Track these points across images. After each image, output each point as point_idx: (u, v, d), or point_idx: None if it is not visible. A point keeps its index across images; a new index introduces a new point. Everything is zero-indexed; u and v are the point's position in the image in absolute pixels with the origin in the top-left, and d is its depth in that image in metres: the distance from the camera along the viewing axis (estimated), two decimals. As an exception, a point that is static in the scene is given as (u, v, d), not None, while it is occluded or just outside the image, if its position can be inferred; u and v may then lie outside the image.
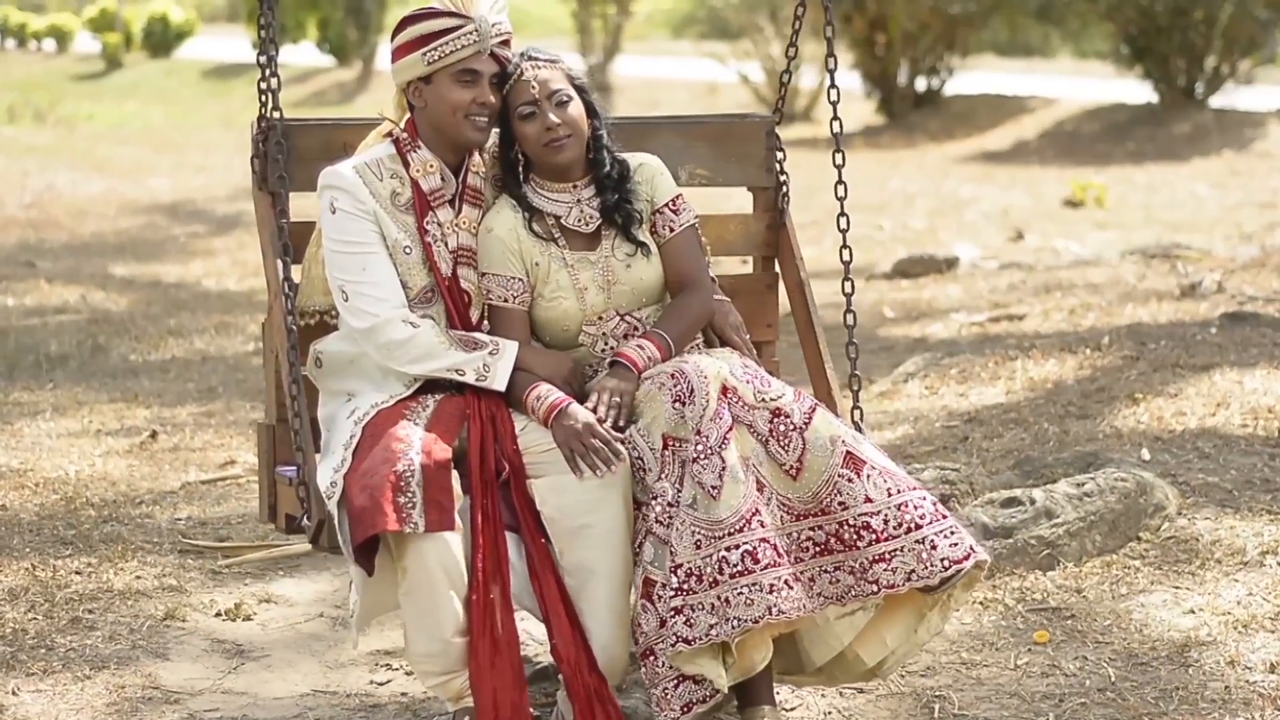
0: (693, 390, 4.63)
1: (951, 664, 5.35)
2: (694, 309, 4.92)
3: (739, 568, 4.51)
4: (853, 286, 5.26)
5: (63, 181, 18.36)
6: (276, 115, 4.94)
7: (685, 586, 4.54)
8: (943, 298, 11.21)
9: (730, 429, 4.62)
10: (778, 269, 5.46)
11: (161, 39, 32.60)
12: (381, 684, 5.42)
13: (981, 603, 5.73)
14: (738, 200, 5.55)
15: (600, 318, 4.90)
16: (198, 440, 8.14)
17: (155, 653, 5.57)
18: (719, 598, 4.52)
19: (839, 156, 5.26)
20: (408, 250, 4.80)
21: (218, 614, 5.92)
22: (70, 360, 10.05)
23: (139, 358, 10.21)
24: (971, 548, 4.62)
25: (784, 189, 5.43)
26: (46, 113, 25.08)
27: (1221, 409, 7.36)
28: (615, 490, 4.66)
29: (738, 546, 4.52)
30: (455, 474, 4.59)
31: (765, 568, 4.52)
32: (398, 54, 4.83)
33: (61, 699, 5.20)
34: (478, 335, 4.80)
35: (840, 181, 5.23)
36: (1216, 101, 21.52)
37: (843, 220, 5.25)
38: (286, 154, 4.95)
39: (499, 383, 4.74)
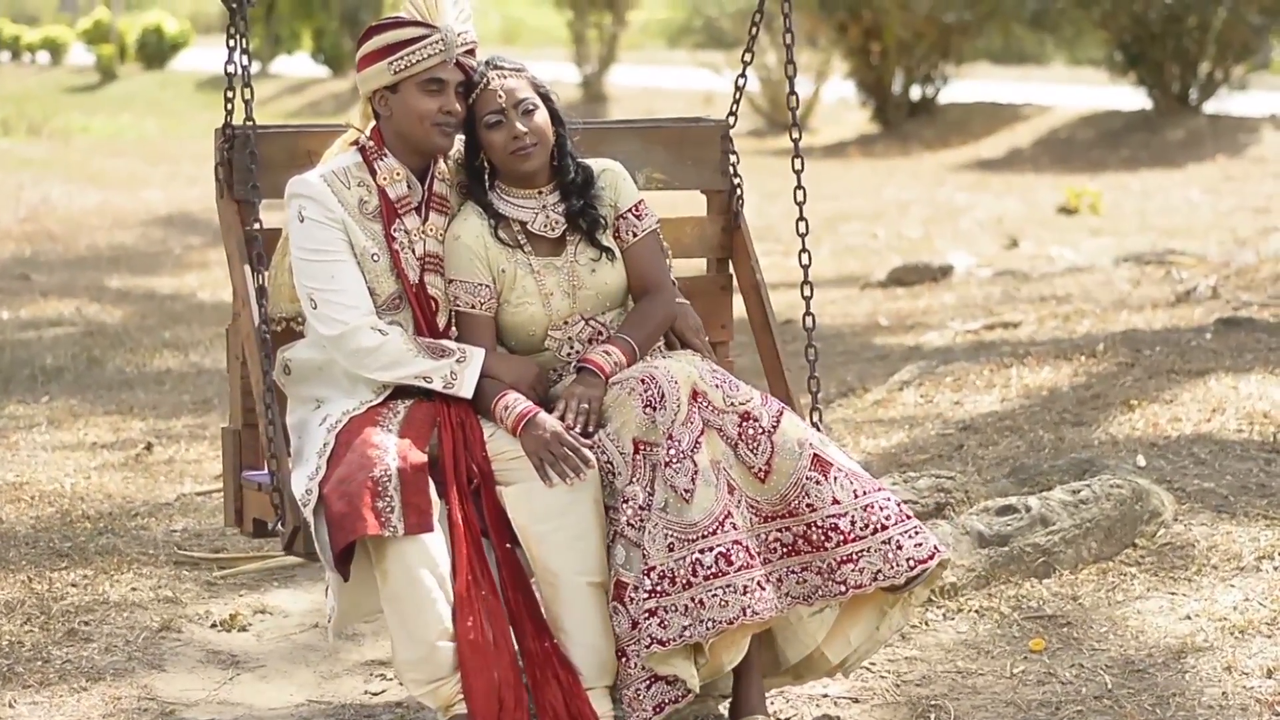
0: (664, 395, 4.68)
1: (947, 672, 5.35)
2: (657, 313, 4.98)
3: (712, 569, 4.58)
4: (811, 290, 5.34)
5: (58, 194, 18.35)
6: (249, 124, 4.96)
7: (659, 589, 4.59)
8: (937, 306, 11.22)
9: (702, 433, 4.68)
10: (732, 271, 5.51)
11: (156, 50, 32.62)
12: (376, 694, 5.43)
13: (977, 611, 5.73)
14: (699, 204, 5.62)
15: (565, 322, 4.94)
16: (193, 452, 8.15)
17: (151, 664, 5.58)
18: (693, 599, 4.57)
19: (798, 162, 5.39)
20: (375, 258, 4.83)
21: (213, 625, 5.92)
22: (65, 373, 10.05)
23: (134, 370, 10.22)
24: (936, 547, 4.75)
25: (738, 192, 5.49)
26: (41, 125, 25.07)
27: (1217, 414, 7.36)
28: (585, 495, 4.70)
29: (711, 549, 4.59)
30: (430, 479, 4.62)
31: (739, 569, 4.59)
32: (364, 63, 4.87)
33: (58, 711, 5.21)
34: (445, 343, 4.83)
35: (799, 186, 5.33)
36: (1210, 107, 21.52)
37: (801, 225, 5.33)
38: (257, 162, 4.97)
39: (466, 390, 4.77)
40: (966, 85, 23.82)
